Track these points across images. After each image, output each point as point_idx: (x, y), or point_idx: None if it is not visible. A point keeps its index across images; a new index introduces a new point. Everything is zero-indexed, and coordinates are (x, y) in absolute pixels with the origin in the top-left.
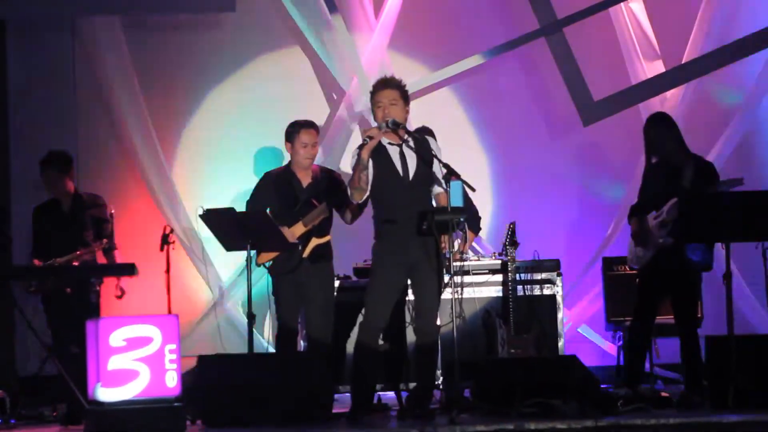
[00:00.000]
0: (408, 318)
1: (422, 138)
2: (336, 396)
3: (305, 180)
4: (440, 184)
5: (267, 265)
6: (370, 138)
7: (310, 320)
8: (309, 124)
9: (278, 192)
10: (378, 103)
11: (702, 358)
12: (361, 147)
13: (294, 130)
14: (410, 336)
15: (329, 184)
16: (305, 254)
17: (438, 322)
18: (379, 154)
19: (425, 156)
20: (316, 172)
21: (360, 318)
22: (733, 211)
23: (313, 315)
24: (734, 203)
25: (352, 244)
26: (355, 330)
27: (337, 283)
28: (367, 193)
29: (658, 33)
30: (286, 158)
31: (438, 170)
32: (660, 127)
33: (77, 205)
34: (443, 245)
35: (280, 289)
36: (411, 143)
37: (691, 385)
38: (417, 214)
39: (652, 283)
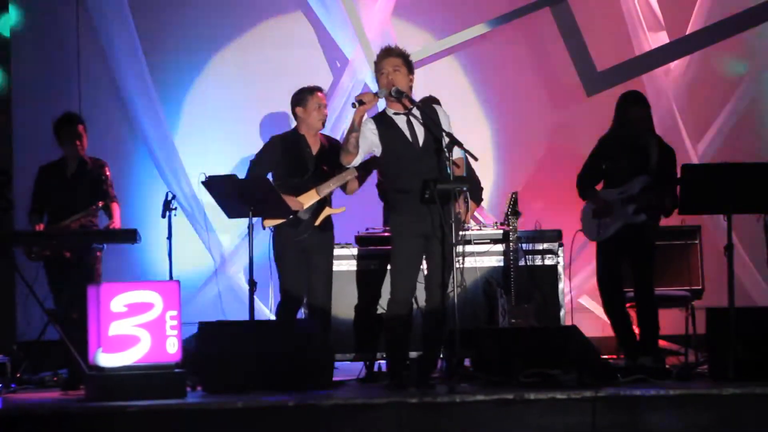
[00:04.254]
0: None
1: (428, 107)
2: (337, 364)
3: (314, 147)
4: (461, 147)
5: (272, 229)
6: (361, 103)
7: (314, 288)
8: (319, 88)
9: (286, 156)
10: (382, 70)
11: (657, 325)
12: (354, 105)
13: (305, 95)
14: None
15: (337, 153)
16: (317, 222)
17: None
18: (386, 124)
19: (430, 125)
20: (323, 140)
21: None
22: (736, 183)
23: (316, 282)
24: (737, 175)
25: (350, 213)
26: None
27: (346, 251)
28: (356, 159)
29: (663, 4)
30: (290, 124)
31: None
32: (639, 106)
33: (81, 168)
34: (457, 213)
35: (285, 256)
36: (415, 113)
37: (647, 350)
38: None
39: (616, 256)
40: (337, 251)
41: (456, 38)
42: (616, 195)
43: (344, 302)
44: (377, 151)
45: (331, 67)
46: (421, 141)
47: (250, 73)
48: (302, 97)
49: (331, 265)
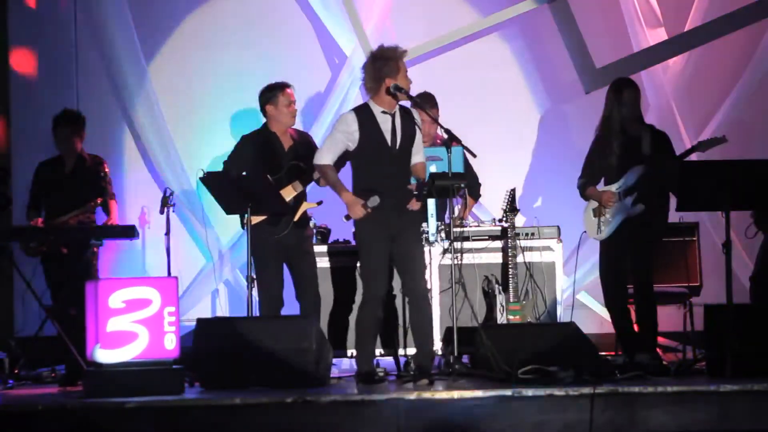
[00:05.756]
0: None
1: (409, 111)
2: (334, 360)
3: (286, 143)
4: (459, 143)
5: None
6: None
7: (301, 283)
8: (287, 84)
9: (259, 154)
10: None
11: (656, 322)
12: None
13: (275, 92)
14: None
15: (309, 147)
16: (296, 218)
17: (436, 287)
18: (369, 120)
19: (412, 125)
20: (294, 135)
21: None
22: (734, 180)
23: (303, 279)
24: (735, 172)
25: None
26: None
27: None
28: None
29: (661, 0)
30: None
31: (419, 142)
32: (624, 89)
33: (80, 165)
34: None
35: (264, 256)
36: (403, 110)
37: (646, 347)
38: (398, 186)
39: (617, 252)
40: (335, 248)
41: (454, 34)
42: (615, 189)
43: (344, 299)
44: (352, 146)
45: (329, 64)
46: (398, 144)
47: (248, 68)
48: (272, 94)
49: (313, 259)
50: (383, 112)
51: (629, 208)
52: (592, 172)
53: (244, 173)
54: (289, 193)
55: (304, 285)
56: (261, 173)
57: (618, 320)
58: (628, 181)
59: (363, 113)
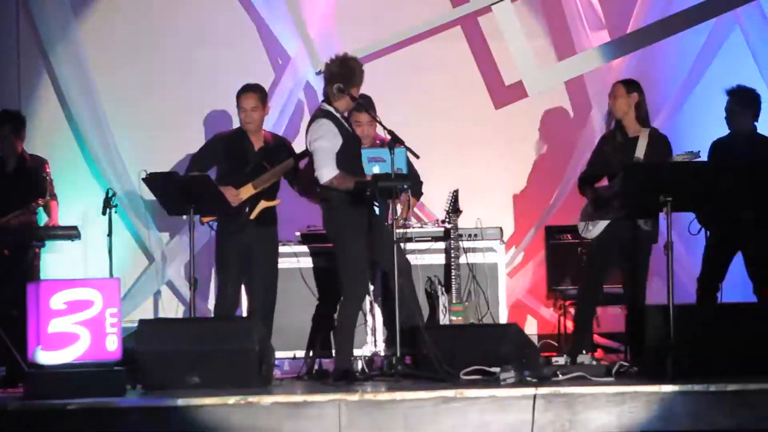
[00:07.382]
0: None
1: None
2: (277, 362)
3: (257, 143)
4: (402, 144)
5: (212, 224)
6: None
7: (255, 285)
8: (247, 89)
9: (228, 153)
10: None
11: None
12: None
13: (237, 95)
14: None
15: (281, 151)
16: (252, 216)
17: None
18: (340, 125)
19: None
20: (267, 138)
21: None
22: (675, 182)
23: (257, 280)
24: (675, 174)
25: (294, 209)
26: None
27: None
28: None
29: (604, 2)
30: (234, 122)
31: None
32: (617, 93)
33: (21, 165)
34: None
35: (224, 251)
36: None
37: (637, 356)
38: None
39: (603, 254)
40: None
41: (399, 36)
42: (606, 192)
43: (285, 300)
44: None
45: (272, 65)
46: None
47: (190, 69)
48: (237, 96)
49: (273, 262)
50: (343, 116)
51: (617, 210)
52: (591, 170)
53: (194, 174)
54: (247, 192)
55: (257, 285)
56: (205, 174)
57: (576, 318)
58: (617, 183)
59: (331, 117)
